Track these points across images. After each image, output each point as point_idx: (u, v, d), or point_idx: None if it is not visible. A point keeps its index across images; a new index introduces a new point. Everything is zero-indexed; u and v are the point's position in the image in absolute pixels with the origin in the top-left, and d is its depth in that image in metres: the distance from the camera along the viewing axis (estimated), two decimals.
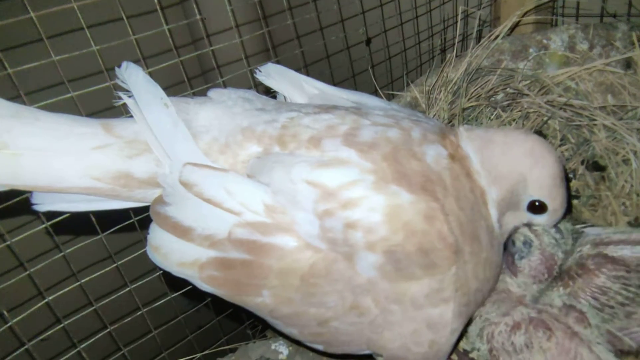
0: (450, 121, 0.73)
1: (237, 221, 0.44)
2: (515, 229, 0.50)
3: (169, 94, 0.48)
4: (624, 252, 0.47)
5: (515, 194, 0.46)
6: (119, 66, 0.48)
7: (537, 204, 0.47)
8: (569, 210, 0.50)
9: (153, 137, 0.46)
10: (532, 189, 0.46)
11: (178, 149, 0.46)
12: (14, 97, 0.46)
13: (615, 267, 0.46)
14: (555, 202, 0.47)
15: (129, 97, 0.47)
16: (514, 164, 0.46)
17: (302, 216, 0.43)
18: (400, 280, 0.43)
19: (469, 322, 0.48)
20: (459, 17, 0.75)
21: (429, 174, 0.44)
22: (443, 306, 0.43)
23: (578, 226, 0.54)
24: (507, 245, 0.50)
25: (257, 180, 0.45)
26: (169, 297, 0.63)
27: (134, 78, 0.47)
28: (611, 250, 0.47)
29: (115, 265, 0.57)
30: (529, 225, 0.49)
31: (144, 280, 0.60)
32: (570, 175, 0.68)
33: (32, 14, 0.44)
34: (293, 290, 0.44)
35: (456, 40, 0.74)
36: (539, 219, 0.48)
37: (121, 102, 0.48)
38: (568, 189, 0.48)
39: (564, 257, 0.49)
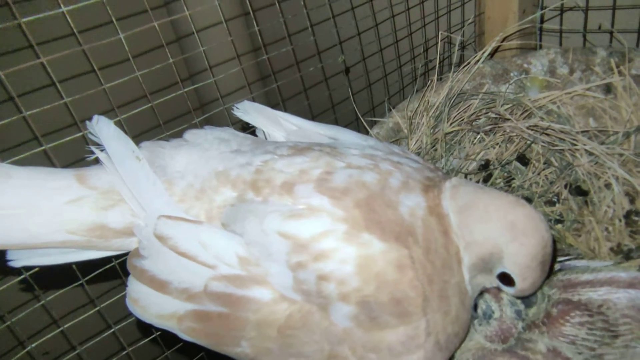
0: (434, 146, 0.72)
1: (212, 274, 0.44)
2: (485, 289, 0.49)
3: (151, 135, 0.47)
4: (590, 294, 0.47)
5: (488, 261, 0.45)
6: (90, 120, 0.48)
7: (505, 277, 0.45)
8: (547, 278, 0.46)
9: (127, 190, 0.46)
10: (506, 261, 0.44)
11: (152, 201, 0.46)
12: None
13: (578, 313, 0.46)
14: (524, 282, 0.44)
15: (101, 150, 0.47)
16: (489, 234, 0.44)
17: (276, 268, 0.43)
18: (376, 329, 0.43)
19: None
20: (440, 38, 0.74)
21: (402, 222, 0.43)
22: (419, 352, 0.43)
23: (560, 259, 0.54)
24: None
25: (231, 229, 0.45)
26: (154, 335, 0.63)
27: (105, 132, 0.47)
28: (577, 294, 0.47)
29: (97, 309, 0.57)
30: (498, 288, 0.48)
31: (128, 321, 0.60)
32: (554, 199, 0.68)
33: (0, 73, 0.44)
34: (271, 341, 0.44)
35: (437, 63, 0.73)
36: (507, 289, 0.47)
37: (93, 157, 0.48)
38: (549, 269, 0.44)
39: (526, 322, 0.48)
